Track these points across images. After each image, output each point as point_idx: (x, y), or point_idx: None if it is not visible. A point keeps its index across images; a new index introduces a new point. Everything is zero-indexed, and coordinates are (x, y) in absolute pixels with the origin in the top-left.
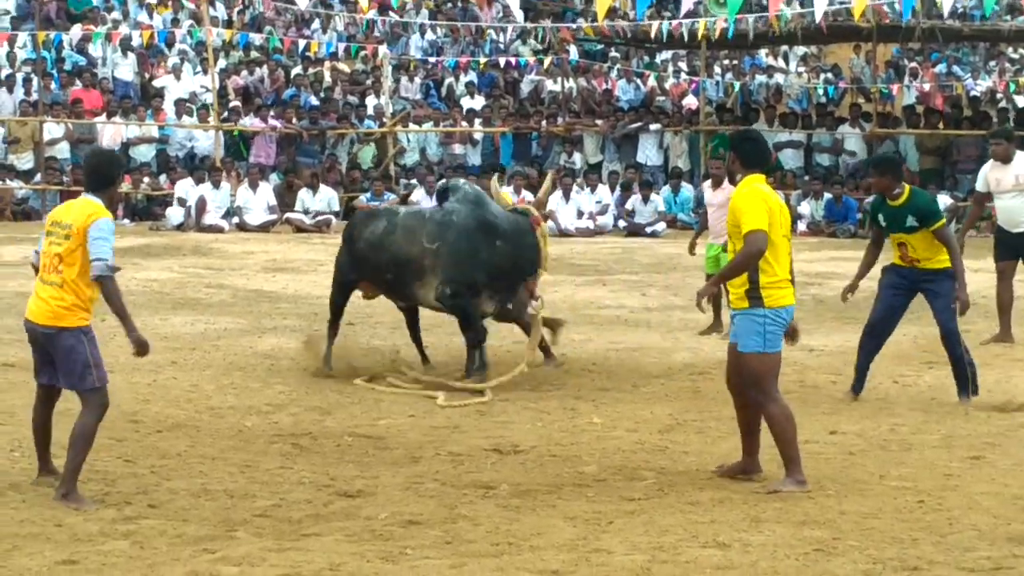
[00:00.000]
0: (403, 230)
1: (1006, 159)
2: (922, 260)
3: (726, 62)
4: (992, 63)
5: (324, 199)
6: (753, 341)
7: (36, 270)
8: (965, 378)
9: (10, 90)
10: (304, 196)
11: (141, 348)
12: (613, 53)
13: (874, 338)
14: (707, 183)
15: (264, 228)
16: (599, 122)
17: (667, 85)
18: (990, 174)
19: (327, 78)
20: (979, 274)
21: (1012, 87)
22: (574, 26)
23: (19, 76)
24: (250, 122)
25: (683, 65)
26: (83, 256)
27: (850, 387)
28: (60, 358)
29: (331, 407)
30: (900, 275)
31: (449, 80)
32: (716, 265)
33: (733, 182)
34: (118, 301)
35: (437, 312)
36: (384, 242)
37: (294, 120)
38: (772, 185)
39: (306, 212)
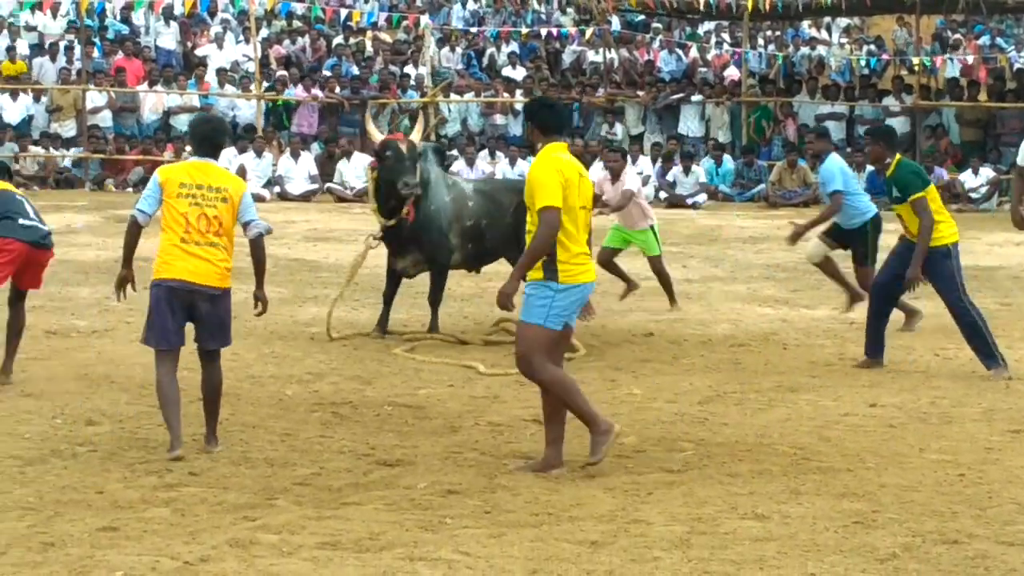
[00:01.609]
0: None
1: None
2: (915, 233)
3: (769, 33)
4: None
5: (360, 165)
6: (537, 312)
7: (138, 230)
8: (988, 348)
9: (53, 58)
10: (341, 166)
11: (266, 306)
12: (655, 24)
13: (876, 301)
14: (604, 175)
15: (305, 197)
16: (640, 93)
17: (709, 56)
18: None
19: (368, 48)
20: (1022, 247)
21: None
22: None
23: (62, 44)
24: (292, 92)
25: (726, 36)
26: (234, 221)
27: (865, 355)
28: (217, 318)
29: (371, 376)
30: (906, 247)
31: (491, 50)
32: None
33: (534, 152)
34: (265, 259)
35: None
36: None
37: (336, 90)
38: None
39: (342, 185)
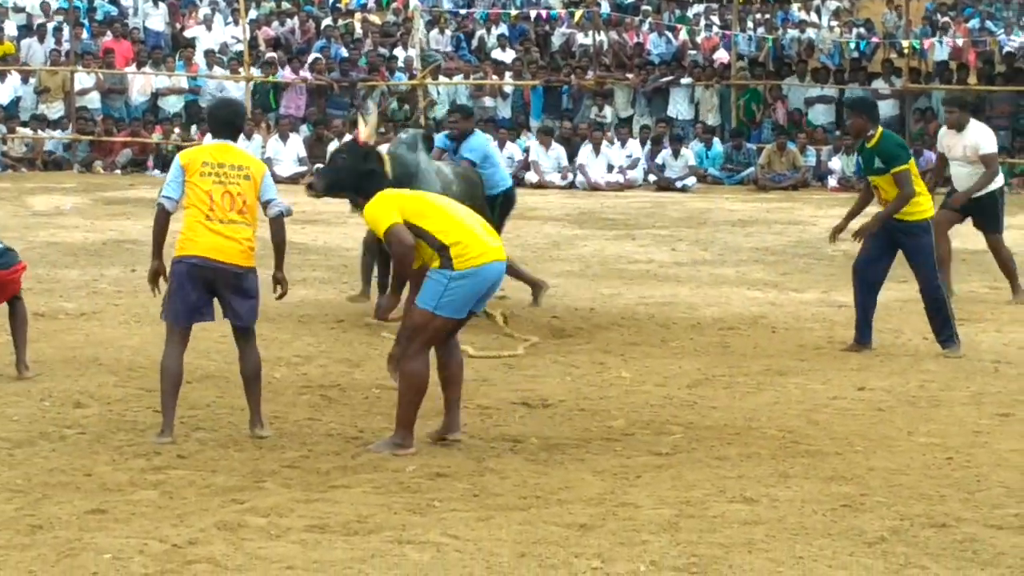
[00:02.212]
0: None
1: (959, 127)
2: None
3: (758, 16)
4: None
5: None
6: (429, 298)
7: (166, 218)
8: (951, 328)
9: (41, 39)
10: (331, 148)
11: (286, 288)
12: (645, 6)
13: (860, 284)
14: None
15: (294, 180)
16: (630, 76)
17: (699, 39)
18: (943, 139)
19: (358, 30)
20: (1010, 231)
21: None
22: None
23: (50, 26)
24: (281, 73)
25: (715, 19)
26: (257, 199)
27: (854, 339)
28: (243, 297)
29: (360, 359)
30: (881, 227)
31: (480, 32)
32: None
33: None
34: (285, 240)
35: None
36: None
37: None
38: (804, 141)
39: None
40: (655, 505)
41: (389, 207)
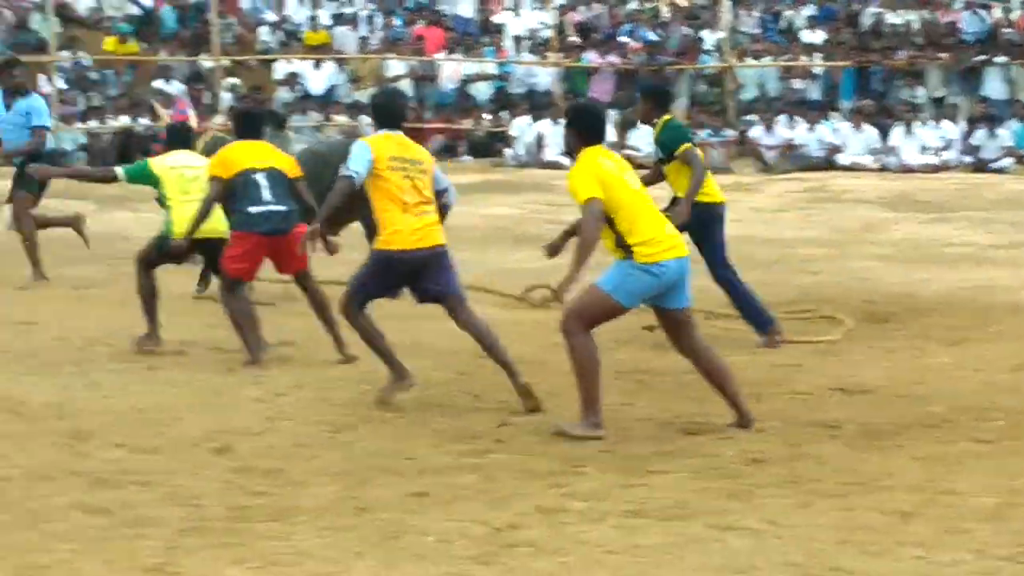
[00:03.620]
0: None
1: None
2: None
3: None
4: None
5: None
6: (610, 281)
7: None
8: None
9: (354, 28)
10: (632, 133)
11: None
12: None
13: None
14: None
15: None
16: (942, 55)
17: (1013, 17)
18: None
19: (664, 12)
20: None
21: None
22: None
23: (363, 14)
24: (588, 58)
25: None
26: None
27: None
28: (447, 270)
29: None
30: None
31: (788, 13)
32: None
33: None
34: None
35: None
36: None
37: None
38: None
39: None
40: (979, 493)
41: (591, 178)
